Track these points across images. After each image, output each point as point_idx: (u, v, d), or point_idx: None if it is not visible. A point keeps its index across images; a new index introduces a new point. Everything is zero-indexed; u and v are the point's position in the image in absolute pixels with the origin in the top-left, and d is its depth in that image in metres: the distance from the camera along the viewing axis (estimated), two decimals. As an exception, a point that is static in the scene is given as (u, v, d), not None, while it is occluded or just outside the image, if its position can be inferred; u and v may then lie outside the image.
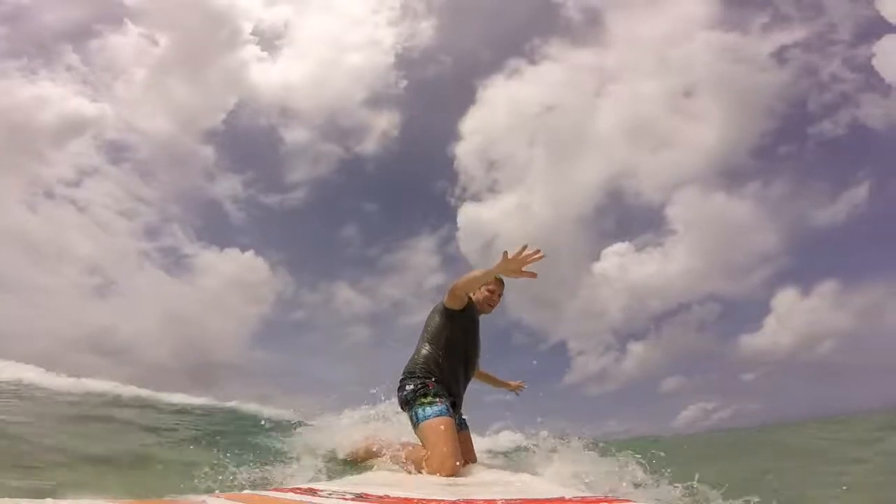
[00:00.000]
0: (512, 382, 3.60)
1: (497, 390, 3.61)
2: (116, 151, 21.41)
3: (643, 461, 2.63)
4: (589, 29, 24.05)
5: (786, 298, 19.27)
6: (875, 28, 19.30)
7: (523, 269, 2.31)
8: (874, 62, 19.14)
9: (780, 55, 20.65)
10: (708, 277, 21.87)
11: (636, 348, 21.08)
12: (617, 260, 21.57)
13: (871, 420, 7.44)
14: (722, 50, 21.28)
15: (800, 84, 21.10)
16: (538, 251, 2.25)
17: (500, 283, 2.94)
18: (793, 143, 22.35)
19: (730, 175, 23.64)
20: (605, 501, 1.15)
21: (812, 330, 18.48)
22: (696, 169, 23.20)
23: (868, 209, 19.29)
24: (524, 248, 2.26)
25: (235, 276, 21.40)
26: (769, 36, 20.88)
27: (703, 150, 21.89)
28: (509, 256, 2.28)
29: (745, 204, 22.01)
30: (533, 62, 24.38)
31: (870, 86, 19.67)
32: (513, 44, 26.81)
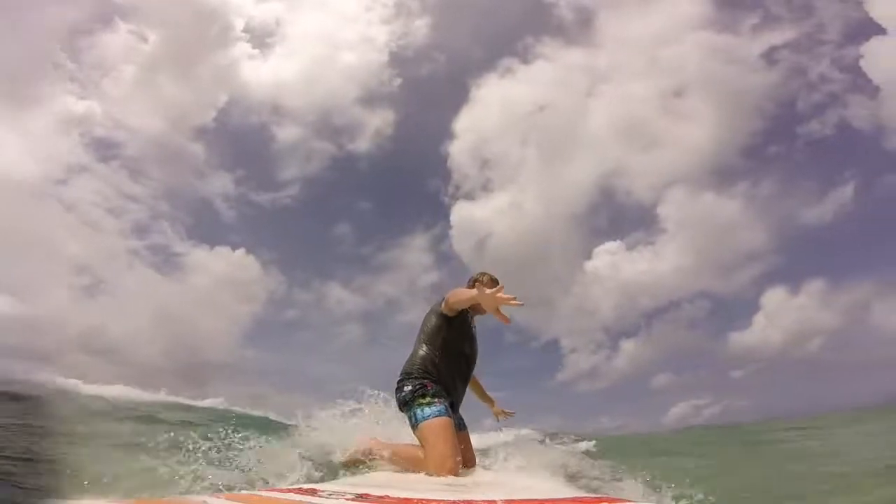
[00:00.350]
0: (497, 407, 3.46)
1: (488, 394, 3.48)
2: (105, 149, 21.18)
3: (625, 460, 2.68)
4: (581, 29, 24.28)
5: (774, 296, 19.69)
6: (864, 29, 19.73)
7: (500, 308, 2.23)
8: (862, 63, 19.56)
9: (770, 56, 21.02)
10: (698, 275, 22.26)
11: (627, 346, 21.40)
12: (608, 258, 21.85)
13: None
14: (712, 50, 21.61)
15: (789, 85, 21.52)
16: (514, 298, 2.15)
17: (496, 284, 2.96)
18: (782, 143, 22.83)
19: (720, 174, 24.09)
20: (605, 501, 1.19)
21: (800, 327, 18.90)
22: (687, 168, 23.59)
23: (854, 208, 19.79)
24: (500, 287, 2.21)
25: (226, 274, 21.29)
26: (759, 37, 21.23)
27: (693, 150, 22.23)
28: (486, 292, 2.20)
29: (734, 203, 22.41)
30: (526, 61, 24.56)
31: (857, 87, 20.11)
32: (506, 43, 26.97)
